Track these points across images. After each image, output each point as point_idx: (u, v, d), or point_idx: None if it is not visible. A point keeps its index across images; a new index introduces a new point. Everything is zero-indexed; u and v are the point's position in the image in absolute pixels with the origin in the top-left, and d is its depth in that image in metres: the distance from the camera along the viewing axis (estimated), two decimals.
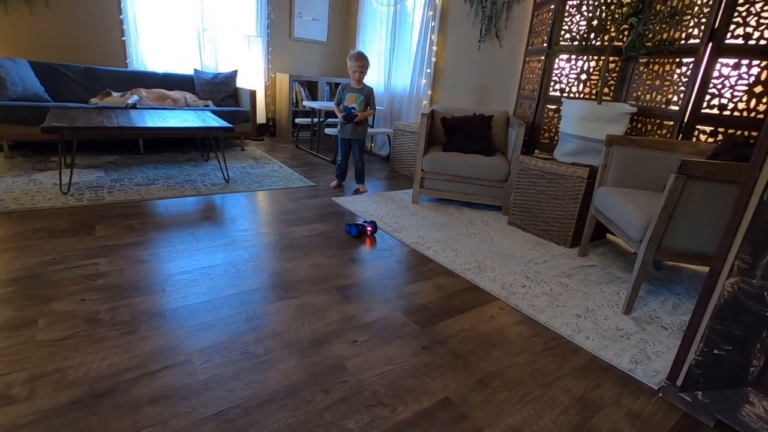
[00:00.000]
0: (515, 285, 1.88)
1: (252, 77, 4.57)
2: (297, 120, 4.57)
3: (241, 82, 4.45)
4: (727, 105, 2.11)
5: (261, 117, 4.81)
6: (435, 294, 1.75)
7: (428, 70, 3.95)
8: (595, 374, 1.35)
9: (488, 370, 1.32)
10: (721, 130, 2.14)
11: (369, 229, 2.31)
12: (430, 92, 4.01)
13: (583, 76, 2.73)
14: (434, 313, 1.60)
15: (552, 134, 2.93)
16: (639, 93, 2.52)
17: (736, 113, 2.09)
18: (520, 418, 1.14)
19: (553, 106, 2.88)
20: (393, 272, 1.91)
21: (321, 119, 4.22)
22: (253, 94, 3.98)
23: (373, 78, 4.60)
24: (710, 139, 2.17)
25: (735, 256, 1.07)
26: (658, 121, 2.39)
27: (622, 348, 1.49)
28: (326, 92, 4.95)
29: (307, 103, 4.08)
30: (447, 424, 1.09)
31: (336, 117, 3.10)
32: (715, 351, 1.13)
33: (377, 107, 3.73)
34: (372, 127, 4.37)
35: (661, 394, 1.28)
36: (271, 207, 2.64)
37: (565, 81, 2.81)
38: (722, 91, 2.11)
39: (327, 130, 3.76)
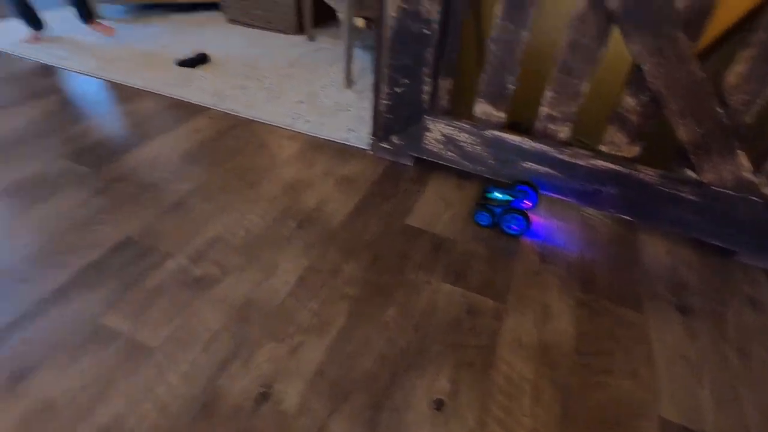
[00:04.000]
0: (231, 89, 1.57)
1: None
2: None
3: None
4: None
5: None
6: (118, 125, 1.34)
7: None
8: (310, 154, 1.25)
9: (184, 190, 1.09)
10: None
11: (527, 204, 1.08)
12: None
13: None
14: (115, 148, 1.23)
15: None
16: None
17: None
18: (221, 227, 0.98)
19: None
20: (49, 115, 1.38)
21: None
22: None
23: None
24: None
25: None
26: None
27: (340, 121, 1.41)
28: None
29: None
30: (123, 266, 0.87)
31: None
32: (396, 89, 1.09)
33: None
34: None
35: (371, 152, 1.27)
36: None
37: None
38: None
39: None
